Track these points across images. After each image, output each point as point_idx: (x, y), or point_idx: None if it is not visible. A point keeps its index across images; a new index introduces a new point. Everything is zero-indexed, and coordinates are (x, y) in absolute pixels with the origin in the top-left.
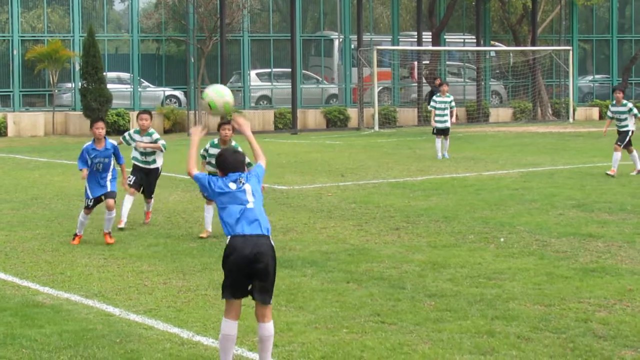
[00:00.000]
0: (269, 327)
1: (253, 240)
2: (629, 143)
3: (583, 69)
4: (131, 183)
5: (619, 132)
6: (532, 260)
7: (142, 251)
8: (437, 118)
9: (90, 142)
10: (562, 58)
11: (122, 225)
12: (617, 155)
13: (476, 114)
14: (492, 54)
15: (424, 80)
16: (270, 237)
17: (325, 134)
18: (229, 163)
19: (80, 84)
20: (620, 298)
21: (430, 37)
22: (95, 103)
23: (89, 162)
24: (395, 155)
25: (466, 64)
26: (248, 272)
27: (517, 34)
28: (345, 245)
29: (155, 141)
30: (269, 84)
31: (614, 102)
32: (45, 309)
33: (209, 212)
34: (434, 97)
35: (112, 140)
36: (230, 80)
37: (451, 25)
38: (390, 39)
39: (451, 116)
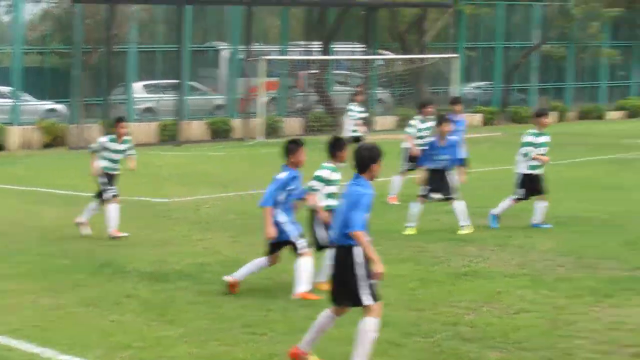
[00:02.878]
0: (360, 322)
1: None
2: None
3: (470, 76)
4: None
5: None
6: (408, 266)
7: (11, 270)
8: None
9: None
10: (448, 66)
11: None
12: (399, 179)
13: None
14: (380, 62)
15: (312, 90)
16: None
17: (209, 145)
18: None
19: None
20: (488, 300)
21: (321, 46)
22: None
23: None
24: (278, 165)
25: (353, 73)
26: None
27: (405, 43)
28: (220, 257)
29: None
30: (156, 95)
31: (420, 116)
32: None
33: None
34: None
35: None
36: (115, 93)
37: (341, 34)
38: (279, 49)
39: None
